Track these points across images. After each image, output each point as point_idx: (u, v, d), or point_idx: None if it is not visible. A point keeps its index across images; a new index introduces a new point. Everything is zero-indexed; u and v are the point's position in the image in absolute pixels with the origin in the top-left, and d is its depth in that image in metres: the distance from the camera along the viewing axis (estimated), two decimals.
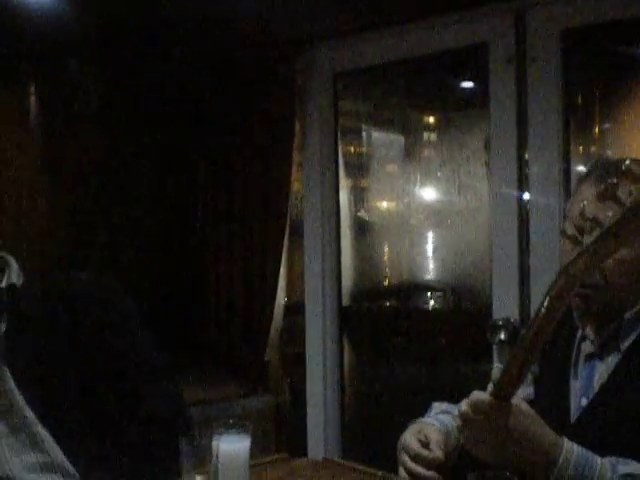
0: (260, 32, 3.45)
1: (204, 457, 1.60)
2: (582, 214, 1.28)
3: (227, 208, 4.02)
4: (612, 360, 1.77)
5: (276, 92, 3.74)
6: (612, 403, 1.70)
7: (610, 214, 1.22)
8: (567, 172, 3.04)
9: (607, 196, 1.21)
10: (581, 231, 1.27)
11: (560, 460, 1.48)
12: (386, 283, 3.89)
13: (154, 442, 1.75)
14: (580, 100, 3.16)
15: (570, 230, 1.30)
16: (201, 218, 4.20)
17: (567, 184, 2.99)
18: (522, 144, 3.14)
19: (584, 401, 1.77)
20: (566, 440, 1.52)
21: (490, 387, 1.51)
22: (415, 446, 1.79)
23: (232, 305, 4.01)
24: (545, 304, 1.34)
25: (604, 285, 1.73)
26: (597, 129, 3.17)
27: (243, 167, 3.91)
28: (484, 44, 3.21)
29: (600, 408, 1.72)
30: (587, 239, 1.25)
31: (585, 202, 1.69)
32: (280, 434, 3.83)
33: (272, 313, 3.85)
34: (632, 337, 1.76)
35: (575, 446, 1.51)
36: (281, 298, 3.97)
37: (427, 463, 1.76)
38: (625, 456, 1.58)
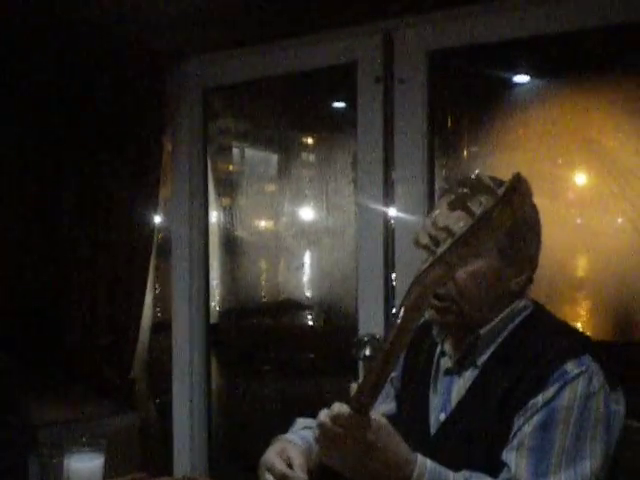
0: (130, 43, 3.37)
1: (57, 477, 1.55)
2: (434, 223, 1.31)
3: (92, 222, 3.91)
4: (469, 375, 1.80)
5: (146, 106, 3.68)
6: (469, 418, 1.73)
7: (461, 224, 1.24)
8: (431, 192, 3.09)
9: (458, 206, 1.24)
10: (436, 242, 1.29)
11: (414, 475, 1.50)
12: (259, 301, 3.88)
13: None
14: (448, 121, 3.22)
15: (424, 240, 1.31)
16: (65, 231, 4.06)
17: (431, 203, 3.04)
18: (389, 163, 3.17)
19: (443, 416, 1.79)
20: (420, 456, 1.54)
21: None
22: (280, 466, 1.78)
23: (96, 323, 3.91)
24: (400, 315, 1.34)
25: (459, 298, 1.76)
26: (465, 151, 3.24)
27: (111, 179, 3.82)
28: (354, 63, 3.23)
29: (458, 423, 1.75)
30: (440, 249, 1.27)
31: (438, 212, 1.73)
32: (146, 453, 3.75)
33: (137, 331, 3.78)
34: (488, 352, 1.79)
35: (428, 462, 1.54)
36: (148, 316, 3.90)
37: None
38: (481, 470, 1.61)
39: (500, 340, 1.79)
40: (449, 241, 1.25)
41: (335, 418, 1.44)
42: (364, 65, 3.20)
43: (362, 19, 3.14)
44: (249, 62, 3.52)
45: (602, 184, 2.84)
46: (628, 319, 2.81)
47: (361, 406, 1.43)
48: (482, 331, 1.79)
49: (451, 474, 1.55)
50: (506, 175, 1.87)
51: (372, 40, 3.18)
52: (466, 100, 3.19)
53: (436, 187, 3.10)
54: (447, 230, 1.26)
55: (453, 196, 1.26)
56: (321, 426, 1.47)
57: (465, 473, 1.57)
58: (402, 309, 1.34)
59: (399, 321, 1.35)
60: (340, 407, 1.44)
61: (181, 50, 3.59)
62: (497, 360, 1.77)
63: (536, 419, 1.62)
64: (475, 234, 1.23)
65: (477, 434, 1.69)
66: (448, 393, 1.83)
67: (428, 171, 3.10)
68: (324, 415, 1.47)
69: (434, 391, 1.87)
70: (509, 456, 1.61)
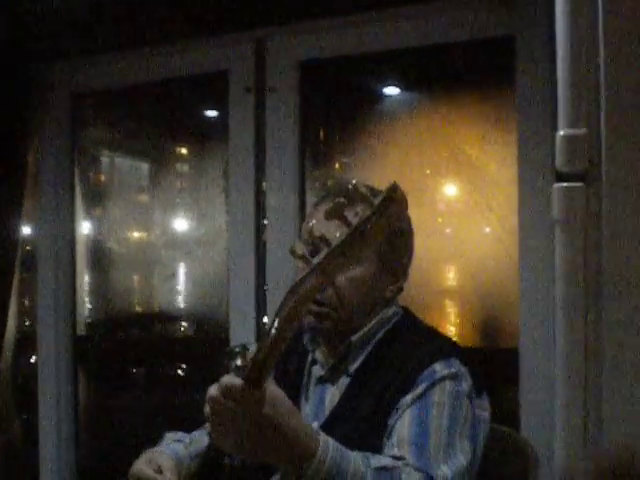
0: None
1: None
2: (311, 232, 1.30)
3: None
4: (342, 383, 1.82)
5: (11, 111, 3.54)
6: (343, 425, 1.73)
7: (338, 234, 1.24)
8: (303, 203, 3.09)
9: (334, 215, 1.23)
10: (313, 251, 1.27)
11: (319, 452, 1.40)
12: (131, 312, 3.79)
13: None
14: (320, 132, 3.24)
15: (300, 250, 1.30)
16: None
17: (303, 214, 3.05)
18: (260, 174, 3.15)
19: (316, 424, 1.77)
20: (322, 433, 1.45)
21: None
22: (149, 473, 1.74)
23: None
24: (275, 325, 1.28)
25: (339, 304, 1.77)
26: (336, 161, 3.26)
27: None
28: (225, 72, 3.20)
29: (332, 431, 1.72)
30: (316, 259, 1.26)
31: (314, 221, 1.74)
32: (10, 475, 3.61)
33: (0, 348, 3.64)
34: (359, 360, 1.81)
35: (331, 439, 1.44)
36: (11, 331, 3.76)
37: None
38: None
39: (371, 347, 1.82)
40: (325, 250, 1.24)
41: (226, 391, 1.32)
42: (235, 74, 3.18)
43: (233, 27, 3.11)
44: (118, 68, 3.44)
45: (469, 194, 2.91)
46: (494, 326, 2.89)
47: (255, 377, 1.31)
48: (354, 338, 1.81)
49: (351, 453, 1.46)
50: (378, 185, 1.91)
51: (243, 49, 3.16)
52: (338, 110, 3.21)
53: (307, 198, 3.11)
54: (323, 239, 1.25)
55: (330, 204, 1.25)
56: (211, 400, 1.35)
57: (363, 453, 1.50)
58: (277, 319, 1.28)
59: (274, 331, 1.28)
60: (231, 379, 1.33)
61: (49, 53, 3.48)
62: (369, 367, 1.79)
63: (408, 415, 1.63)
64: (351, 244, 1.22)
65: (352, 441, 1.67)
66: (321, 401, 1.84)
67: (300, 182, 3.10)
68: (214, 389, 1.36)
69: (306, 400, 1.87)
70: (391, 452, 1.59)
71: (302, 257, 1.29)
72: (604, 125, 1.48)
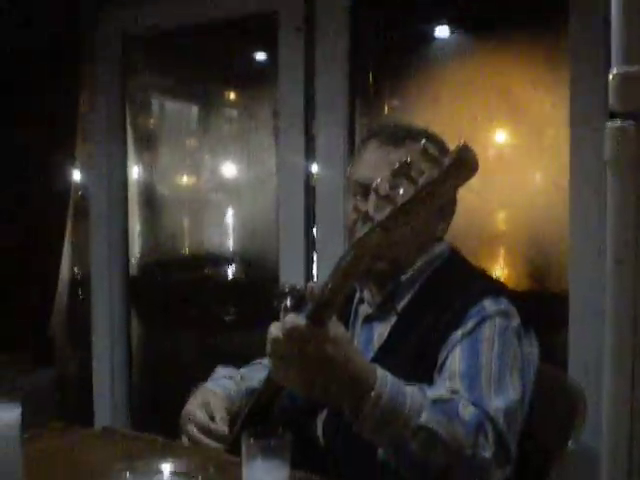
0: None
1: None
2: (376, 190, 1.27)
3: (6, 174, 3.80)
4: (390, 321, 1.82)
5: (62, 54, 3.56)
6: (392, 361, 1.73)
7: (402, 191, 1.22)
8: (352, 145, 3.07)
9: (401, 173, 1.21)
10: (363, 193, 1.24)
11: (377, 386, 1.40)
12: (181, 255, 3.84)
13: None
14: (369, 74, 3.21)
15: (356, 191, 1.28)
16: None
17: (352, 157, 3.04)
18: (310, 116, 3.15)
19: None
20: (379, 367, 1.45)
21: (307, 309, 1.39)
22: (203, 419, 1.79)
23: (9, 280, 3.82)
24: (339, 270, 1.31)
25: (393, 246, 1.78)
26: (385, 104, 3.23)
27: (25, 132, 3.71)
28: (275, 12, 3.19)
29: (380, 365, 1.76)
30: (378, 214, 1.25)
31: (376, 175, 1.73)
32: (66, 407, 3.72)
33: (55, 287, 3.72)
34: (407, 298, 1.82)
35: (389, 374, 1.45)
36: (65, 272, 3.84)
37: (214, 436, 1.76)
38: None
39: (419, 285, 1.82)
40: (389, 209, 1.23)
41: (290, 331, 1.33)
42: (285, 14, 3.17)
43: None
44: (168, 9, 3.44)
45: (521, 137, 2.88)
46: (543, 271, 2.88)
47: (318, 317, 1.33)
48: (403, 278, 1.81)
49: (408, 387, 1.46)
50: (429, 128, 1.90)
51: None
52: (388, 52, 3.17)
53: (356, 141, 3.10)
54: (387, 198, 1.23)
55: (396, 164, 1.21)
56: (274, 341, 1.36)
57: (420, 385, 1.50)
58: (339, 269, 1.29)
59: (337, 274, 1.30)
60: (294, 319, 1.34)
61: None
62: (417, 304, 1.80)
63: (459, 351, 1.63)
64: (416, 204, 1.21)
65: (401, 376, 1.70)
66: (369, 339, 1.85)
67: (349, 124, 3.09)
68: (276, 329, 1.37)
69: (353, 338, 1.88)
70: (444, 387, 1.58)
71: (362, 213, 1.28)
72: None
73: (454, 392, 1.53)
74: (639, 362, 1.48)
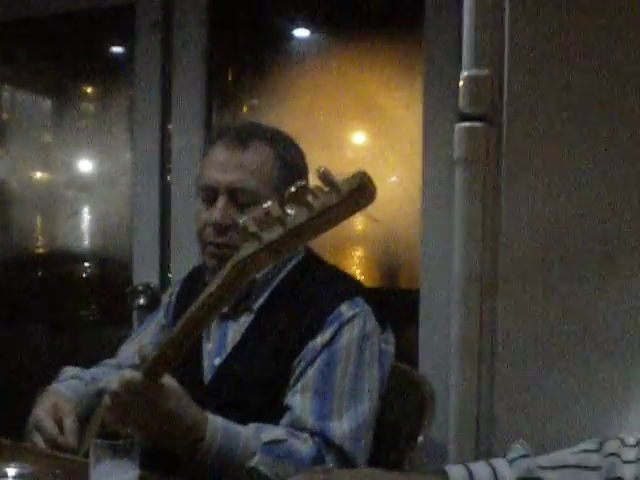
0: None
1: None
2: (267, 213, 1.24)
3: None
4: (244, 320, 1.81)
5: None
6: (245, 362, 1.74)
7: (294, 213, 1.20)
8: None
9: (296, 196, 1.18)
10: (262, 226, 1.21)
11: (207, 434, 1.51)
12: (33, 252, 3.71)
13: None
14: (229, 72, 3.19)
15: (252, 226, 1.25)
16: None
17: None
18: (166, 113, 3.10)
19: (217, 361, 1.79)
20: (211, 415, 1.54)
21: (139, 363, 1.48)
22: (50, 430, 1.73)
23: None
24: (210, 291, 1.32)
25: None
26: (244, 103, 3.22)
27: None
28: (131, 5, 3.11)
29: (234, 367, 1.76)
30: (266, 235, 1.23)
31: (224, 177, 1.76)
32: None
33: None
34: (263, 297, 1.81)
35: (220, 420, 1.54)
36: None
37: (62, 448, 1.71)
38: (260, 414, 1.64)
39: (275, 284, 1.82)
40: (280, 230, 1.21)
41: (127, 385, 1.43)
42: (142, 8, 3.10)
43: None
44: None
45: (376, 137, 2.93)
46: (396, 268, 2.94)
47: (154, 372, 1.42)
48: (257, 276, 1.80)
49: (241, 427, 1.56)
50: (286, 128, 1.90)
51: None
52: (247, 51, 3.16)
53: None
54: (280, 220, 1.21)
55: (293, 189, 1.19)
56: (113, 395, 1.46)
57: (253, 426, 1.58)
58: (215, 286, 1.31)
59: (205, 296, 1.33)
60: (132, 374, 1.44)
61: None
62: (272, 304, 1.79)
63: (318, 362, 1.66)
64: (311, 228, 1.20)
65: (254, 378, 1.71)
66: (223, 338, 1.83)
67: (206, 122, 3.06)
68: (114, 383, 1.46)
69: (207, 337, 1.86)
70: (294, 399, 1.64)
71: (249, 232, 1.26)
72: (507, 67, 1.50)
73: (297, 422, 1.61)
74: (485, 360, 1.53)
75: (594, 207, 1.48)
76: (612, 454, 1.11)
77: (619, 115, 1.45)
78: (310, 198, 1.18)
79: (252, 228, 1.24)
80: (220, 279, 1.31)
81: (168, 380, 1.46)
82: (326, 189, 1.17)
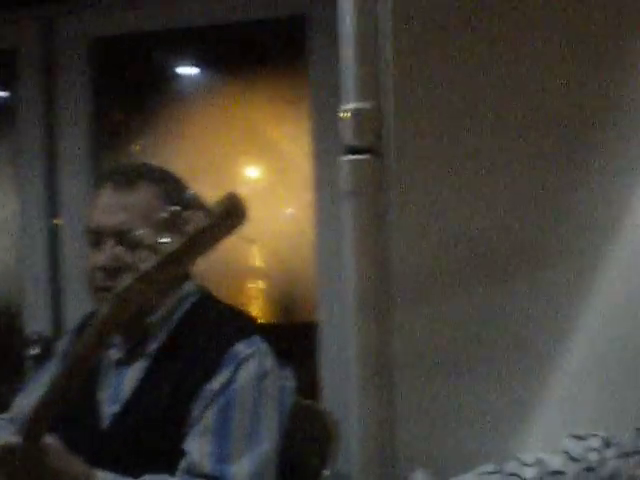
0: None
1: None
2: (140, 240, 1.22)
3: None
4: (140, 366, 1.77)
5: None
6: (143, 408, 1.71)
7: (168, 240, 1.19)
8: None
9: (168, 222, 1.18)
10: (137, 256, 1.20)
11: None
12: None
13: None
14: (116, 113, 3.16)
15: (126, 257, 1.23)
16: None
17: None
18: (52, 157, 3.05)
19: (115, 408, 1.75)
20: (101, 472, 1.51)
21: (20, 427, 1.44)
22: None
23: None
24: (92, 331, 1.29)
25: None
26: (133, 143, 3.19)
27: None
28: (13, 51, 3.06)
29: (132, 414, 1.72)
30: (143, 264, 1.20)
31: (111, 221, 1.72)
32: None
33: None
34: (159, 340, 1.77)
35: (110, 475, 1.52)
36: None
37: None
38: (160, 461, 1.61)
39: (171, 327, 1.79)
40: (154, 259, 1.19)
41: (7, 451, 1.40)
42: (25, 53, 3.05)
43: (22, 5, 2.97)
44: None
45: (267, 173, 2.94)
46: (292, 302, 2.94)
47: (32, 434, 1.39)
48: (152, 318, 1.77)
49: None
50: (175, 166, 1.89)
51: (32, 26, 3.03)
52: (133, 90, 3.14)
53: None
54: (152, 248, 1.19)
55: (164, 215, 1.19)
56: None
57: (146, 477, 1.56)
58: (96, 324, 1.28)
59: (88, 336, 1.29)
60: (10, 440, 1.41)
61: None
62: (169, 348, 1.76)
63: (216, 404, 1.64)
64: (185, 253, 1.18)
65: (152, 425, 1.67)
66: (120, 385, 1.79)
67: (94, 164, 3.02)
68: None
69: (103, 384, 1.81)
70: (192, 444, 1.61)
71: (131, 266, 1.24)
72: (390, 99, 1.51)
73: (195, 467, 1.59)
74: (387, 392, 1.54)
75: (478, 223, 1.50)
76: (512, 474, 1.13)
77: (500, 136, 1.49)
78: (183, 223, 1.17)
79: (127, 259, 1.22)
80: (101, 316, 1.28)
81: (49, 440, 1.44)
82: (198, 213, 1.16)
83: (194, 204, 1.17)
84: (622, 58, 1.46)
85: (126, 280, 1.23)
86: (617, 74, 1.46)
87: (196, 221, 1.17)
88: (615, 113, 1.45)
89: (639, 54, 1.44)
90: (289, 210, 2.90)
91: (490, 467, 1.16)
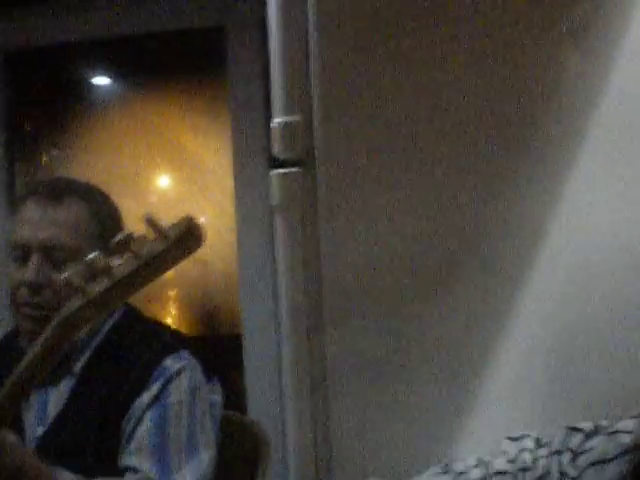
0: None
1: None
2: (91, 265, 1.19)
3: None
4: (66, 385, 1.73)
5: None
6: (71, 428, 1.68)
7: (121, 264, 1.16)
8: (12, 199, 2.92)
9: (122, 246, 1.15)
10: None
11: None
12: None
13: None
14: (29, 124, 3.09)
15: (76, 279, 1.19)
16: None
17: (12, 211, 2.90)
18: None
19: (40, 430, 1.71)
20: (58, 470, 1.50)
21: None
22: None
23: None
24: (34, 351, 1.24)
25: (58, 306, 1.69)
26: (45, 155, 3.13)
27: None
28: None
29: (59, 435, 1.69)
30: (92, 288, 1.17)
31: (36, 235, 1.68)
32: None
33: None
34: (84, 358, 1.74)
35: (64, 472, 1.51)
36: None
37: None
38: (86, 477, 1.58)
39: (95, 343, 1.75)
40: (107, 282, 1.16)
41: None
42: None
43: None
44: None
45: (185, 184, 2.92)
46: (211, 314, 2.93)
47: None
48: (77, 336, 1.73)
49: None
50: (90, 177, 1.86)
51: None
52: (46, 102, 3.08)
53: (17, 194, 2.96)
54: (105, 272, 1.16)
55: (120, 237, 1.16)
56: None
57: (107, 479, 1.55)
58: (38, 347, 1.24)
59: (29, 359, 1.24)
60: None
61: None
62: (95, 365, 1.73)
63: (148, 419, 1.62)
64: (139, 277, 1.16)
65: (82, 445, 1.65)
66: (44, 405, 1.75)
67: (8, 177, 2.96)
68: None
69: (27, 405, 1.77)
70: (129, 460, 1.59)
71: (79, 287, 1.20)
72: (319, 111, 1.51)
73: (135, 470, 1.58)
74: (318, 403, 1.54)
75: (405, 236, 1.51)
76: (462, 473, 1.15)
77: (429, 146, 1.50)
78: (137, 246, 1.15)
79: (77, 282, 1.19)
80: (44, 339, 1.24)
81: (5, 433, 1.39)
82: (152, 236, 1.15)
83: (150, 226, 1.15)
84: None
85: (74, 304, 1.20)
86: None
87: (151, 244, 1.15)
88: (542, 117, 1.47)
89: (558, 50, 1.46)
90: (208, 223, 2.89)
91: (438, 468, 1.18)
